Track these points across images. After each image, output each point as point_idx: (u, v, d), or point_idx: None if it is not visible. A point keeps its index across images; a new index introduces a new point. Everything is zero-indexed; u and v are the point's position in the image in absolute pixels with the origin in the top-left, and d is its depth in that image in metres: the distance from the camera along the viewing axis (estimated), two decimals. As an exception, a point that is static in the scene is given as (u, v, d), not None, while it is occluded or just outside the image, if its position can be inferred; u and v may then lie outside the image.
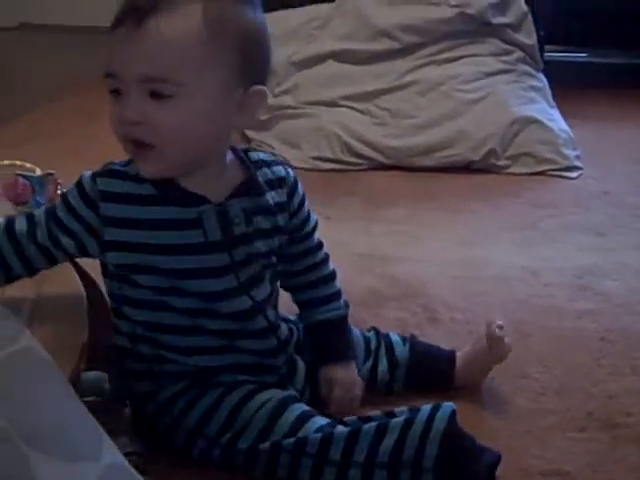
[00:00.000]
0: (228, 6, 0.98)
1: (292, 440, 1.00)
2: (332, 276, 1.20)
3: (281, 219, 1.09)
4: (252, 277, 1.06)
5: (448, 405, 1.01)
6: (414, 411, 1.02)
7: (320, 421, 1.02)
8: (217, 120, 1.00)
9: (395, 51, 2.50)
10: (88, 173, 1.04)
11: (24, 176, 1.85)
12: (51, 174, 1.87)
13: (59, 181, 1.88)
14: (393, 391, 1.23)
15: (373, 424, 1.00)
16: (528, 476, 1.07)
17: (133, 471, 0.75)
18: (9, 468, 0.62)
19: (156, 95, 0.96)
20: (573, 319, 1.48)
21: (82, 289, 1.09)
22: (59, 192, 1.87)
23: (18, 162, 1.91)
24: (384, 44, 2.50)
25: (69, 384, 0.77)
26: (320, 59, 2.50)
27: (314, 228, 1.18)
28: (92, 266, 1.17)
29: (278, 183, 1.10)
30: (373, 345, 1.23)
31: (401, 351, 1.23)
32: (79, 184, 1.03)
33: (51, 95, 2.97)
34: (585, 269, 1.68)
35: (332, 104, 2.42)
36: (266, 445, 1.01)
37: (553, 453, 1.11)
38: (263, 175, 1.09)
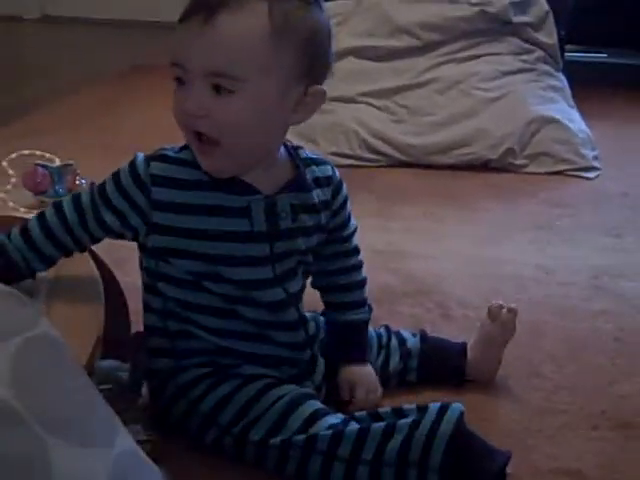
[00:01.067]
0: (294, 8, 1.00)
1: (302, 437, 1.00)
2: (363, 283, 1.21)
3: (324, 217, 1.11)
4: (287, 270, 1.08)
5: (456, 407, 1.00)
6: (422, 411, 1.01)
7: (332, 419, 1.03)
8: (274, 118, 1.03)
9: (415, 48, 2.50)
10: (142, 155, 1.05)
11: (43, 166, 1.87)
12: (70, 164, 1.89)
13: (78, 171, 1.90)
14: (406, 381, 1.23)
15: (382, 424, 1.00)
16: (539, 474, 1.06)
17: (147, 458, 0.76)
18: (26, 452, 0.62)
19: (218, 89, 0.98)
20: (588, 319, 1.47)
21: (99, 278, 1.09)
22: (78, 182, 1.88)
23: (37, 152, 1.93)
24: (404, 41, 2.50)
25: (85, 371, 0.78)
26: (340, 55, 2.49)
27: (353, 232, 1.19)
28: (108, 253, 1.18)
29: (325, 181, 1.12)
30: (384, 340, 1.24)
31: (413, 343, 1.24)
32: (132, 165, 1.04)
33: (70, 87, 2.99)
34: (601, 269, 1.67)
35: (351, 100, 2.42)
36: (277, 440, 1.01)
37: (565, 451, 1.11)
38: (311, 172, 1.11)
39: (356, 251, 1.21)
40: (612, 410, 1.20)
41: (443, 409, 1.00)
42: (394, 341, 1.24)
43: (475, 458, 0.98)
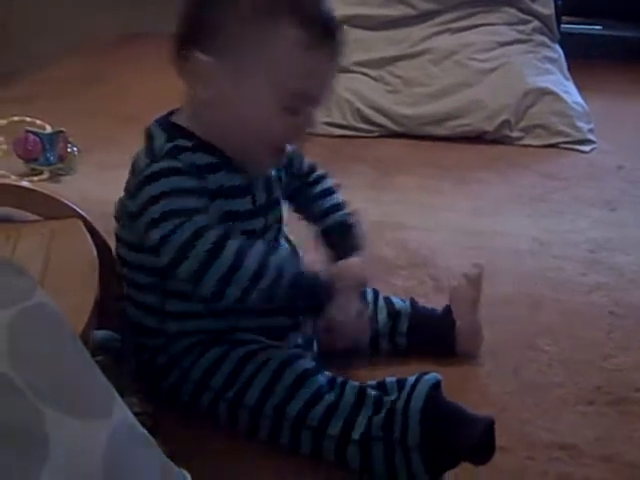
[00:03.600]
0: None
1: (294, 413, 1.00)
2: (334, 189, 1.23)
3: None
4: (270, 241, 1.10)
5: (429, 378, 0.99)
6: (400, 385, 1.01)
7: (320, 379, 1.03)
8: None
9: (410, 17, 2.47)
10: (165, 162, 1.01)
11: (34, 133, 1.84)
12: (61, 131, 1.87)
13: (69, 139, 1.87)
14: (397, 346, 1.22)
15: (370, 398, 1.00)
16: (534, 448, 1.06)
17: (143, 429, 0.75)
18: (23, 423, 0.61)
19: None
20: (584, 293, 1.47)
21: (93, 248, 1.08)
22: (69, 150, 1.86)
23: (28, 118, 1.90)
24: (399, 10, 2.47)
25: (81, 341, 0.77)
26: (333, 24, 2.46)
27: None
28: (101, 223, 1.17)
29: None
30: (371, 297, 1.23)
31: (402, 306, 1.24)
32: (175, 171, 1.01)
33: (64, 54, 2.94)
34: (596, 243, 1.67)
35: (344, 70, 2.38)
36: (269, 409, 1.01)
37: (560, 426, 1.11)
38: None
39: (315, 167, 1.24)
40: (607, 384, 1.20)
41: (416, 383, 0.99)
42: (381, 300, 1.24)
43: (454, 427, 0.96)
